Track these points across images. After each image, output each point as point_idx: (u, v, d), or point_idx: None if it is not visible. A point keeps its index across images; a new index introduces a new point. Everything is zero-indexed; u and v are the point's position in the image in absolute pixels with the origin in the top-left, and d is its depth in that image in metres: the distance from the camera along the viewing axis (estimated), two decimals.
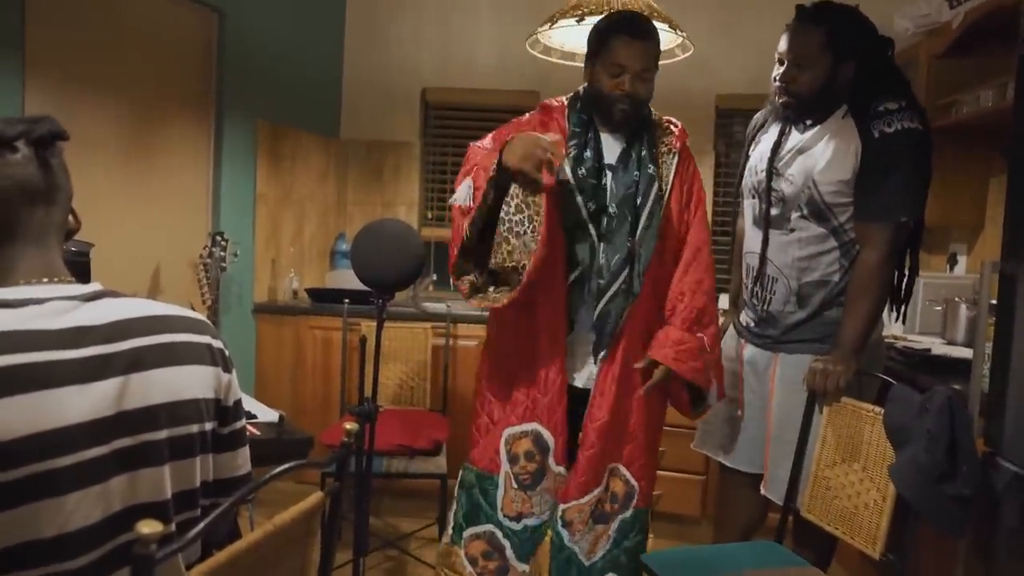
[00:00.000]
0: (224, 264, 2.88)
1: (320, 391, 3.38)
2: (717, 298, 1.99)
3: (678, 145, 1.95)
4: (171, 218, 3.08)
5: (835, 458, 1.90)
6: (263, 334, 3.45)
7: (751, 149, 2.13)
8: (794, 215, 1.95)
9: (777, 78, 1.93)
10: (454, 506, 2.04)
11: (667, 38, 2.52)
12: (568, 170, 1.87)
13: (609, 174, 1.90)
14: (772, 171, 1.99)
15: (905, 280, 2.05)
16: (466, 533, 1.99)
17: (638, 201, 1.87)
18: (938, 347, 2.61)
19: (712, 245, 1.99)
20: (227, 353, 1.11)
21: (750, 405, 2.10)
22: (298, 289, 3.63)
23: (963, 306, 2.69)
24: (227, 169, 3.28)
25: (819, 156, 1.89)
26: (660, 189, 1.90)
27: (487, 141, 1.97)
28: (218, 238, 2.88)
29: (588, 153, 1.89)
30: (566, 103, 1.99)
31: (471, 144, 1.98)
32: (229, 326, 3.26)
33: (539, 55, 2.70)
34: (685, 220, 1.96)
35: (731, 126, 3.79)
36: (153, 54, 2.95)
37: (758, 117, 2.19)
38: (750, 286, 2.09)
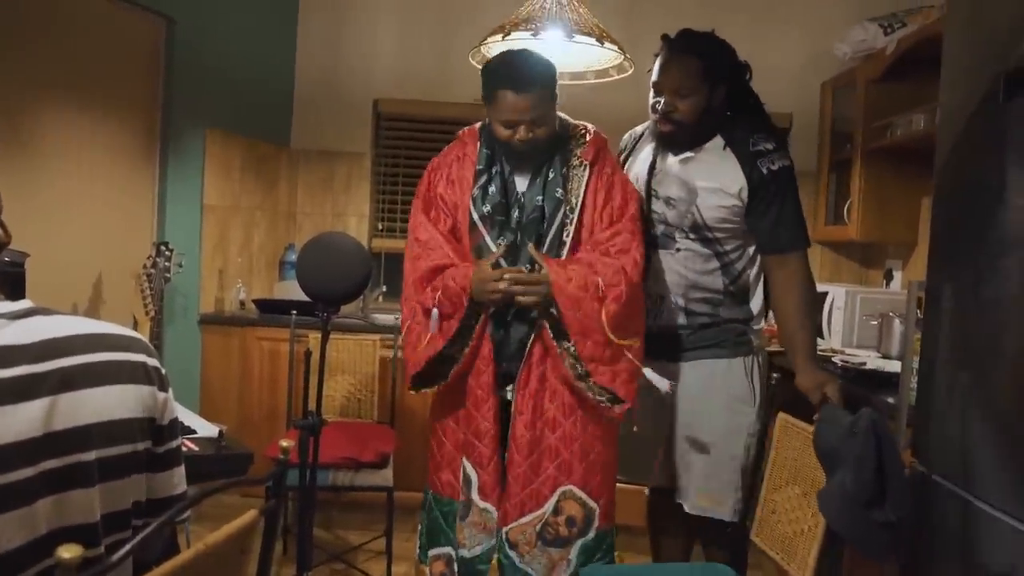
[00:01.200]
0: (168, 275, 2.83)
1: (267, 403, 3.35)
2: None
3: (590, 156, 1.94)
4: (114, 227, 3.03)
5: (780, 481, 1.89)
6: (209, 345, 3.40)
7: (625, 168, 2.19)
8: (679, 236, 2.05)
9: (657, 107, 2.01)
10: (423, 521, 2.07)
11: (608, 56, 2.57)
12: (473, 211, 1.94)
13: (519, 203, 1.93)
14: (651, 193, 2.08)
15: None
16: (430, 552, 2.02)
17: (543, 226, 1.91)
18: (873, 360, 2.71)
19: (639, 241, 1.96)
20: (163, 372, 1.11)
21: (657, 419, 2.07)
22: (245, 300, 3.59)
23: (896, 321, 2.79)
24: (174, 177, 3.24)
25: (702, 185, 2.01)
26: (570, 207, 1.91)
27: (422, 193, 2.02)
28: (163, 248, 2.83)
29: (493, 189, 1.93)
30: (478, 131, 2.03)
31: (418, 210, 2.00)
32: (174, 337, 3.21)
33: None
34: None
35: None
36: (99, 60, 2.90)
37: (627, 139, 2.30)
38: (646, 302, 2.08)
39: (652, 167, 2.09)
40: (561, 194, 1.92)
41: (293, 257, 3.78)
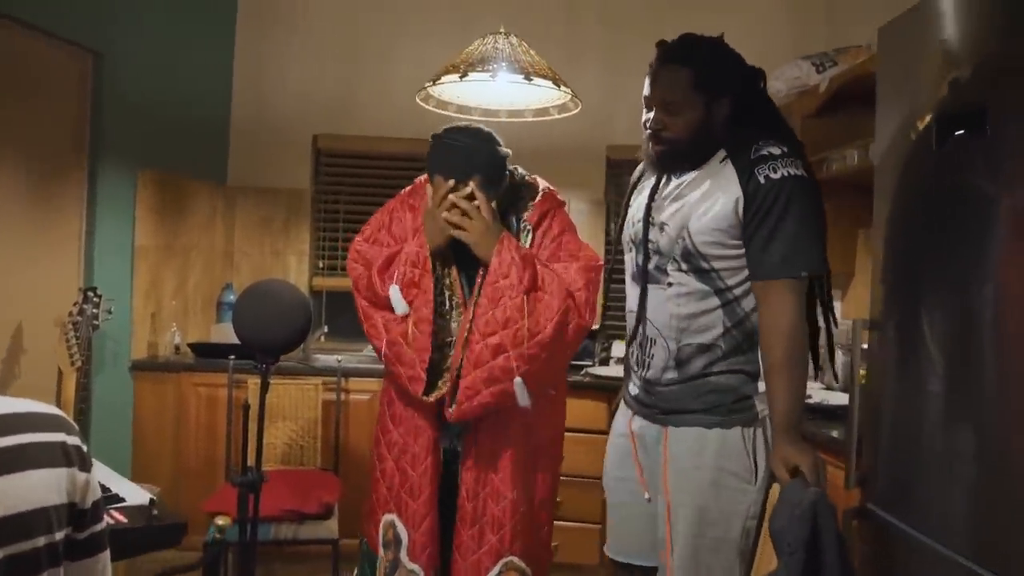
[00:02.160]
0: (97, 322, 2.70)
1: (204, 452, 3.21)
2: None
3: (534, 219, 1.91)
4: (36, 274, 2.88)
5: (762, 567, 1.75)
6: (141, 394, 3.25)
7: (631, 200, 1.98)
8: (671, 268, 1.75)
9: (647, 124, 1.76)
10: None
11: (554, 95, 2.59)
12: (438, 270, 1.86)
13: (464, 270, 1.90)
14: (648, 221, 1.80)
15: (822, 337, 1.88)
16: None
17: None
18: (817, 392, 2.74)
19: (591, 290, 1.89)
20: (85, 449, 1.03)
21: (651, 485, 1.82)
22: (180, 344, 3.46)
23: (838, 351, 2.83)
24: (103, 219, 3.10)
25: (694, 203, 1.71)
26: None
27: (368, 234, 1.96)
28: (90, 294, 2.70)
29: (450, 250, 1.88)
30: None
31: (357, 247, 1.94)
32: (103, 387, 3.06)
33: (433, 108, 2.69)
34: None
35: (621, 175, 3.88)
36: (19, 98, 2.77)
37: (640, 168, 2.03)
38: (631, 349, 1.88)
39: (654, 193, 1.82)
40: None
41: (231, 298, 3.65)
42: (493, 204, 1.85)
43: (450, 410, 1.77)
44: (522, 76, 2.29)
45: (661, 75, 1.73)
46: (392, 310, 1.79)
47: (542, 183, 1.97)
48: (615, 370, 3.31)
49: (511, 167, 1.93)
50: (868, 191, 2.95)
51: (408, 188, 2.02)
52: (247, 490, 1.96)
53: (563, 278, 1.82)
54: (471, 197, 1.80)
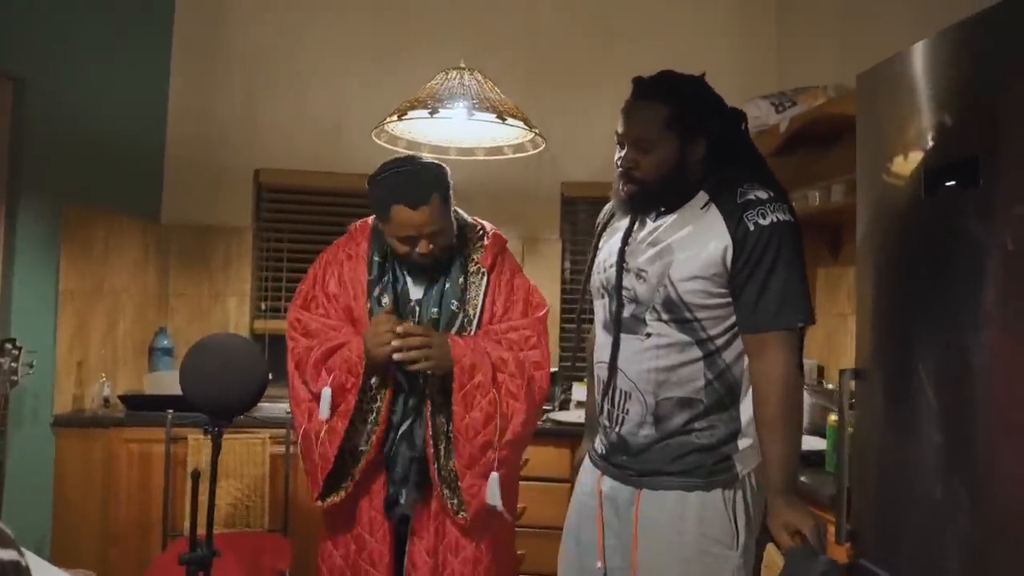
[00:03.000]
0: (16, 376, 2.46)
1: (137, 517, 2.95)
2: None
3: (488, 261, 1.93)
4: None
5: None
6: (65, 452, 2.99)
7: (600, 243, 1.91)
8: (650, 317, 1.69)
9: (619, 163, 1.72)
10: None
11: (512, 133, 2.56)
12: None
13: (414, 312, 1.90)
14: (622, 266, 1.74)
15: None
16: None
17: None
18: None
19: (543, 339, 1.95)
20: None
21: (612, 553, 1.75)
22: (110, 396, 3.20)
23: (805, 393, 2.82)
24: (23, 262, 2.85)
25: (677, 250, 1.67)
26: (467, 318, 1.89)
27: (304, 297, 1.95)
28: (8, 346, 2.47)
29: (386, 300, 1.88)
30: (370, 230, 1.97)
31: (296, 315, 1.93)
32: (21, 447, 2.78)
33: (384, 144, 2.62)
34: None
35: (576, 213, 3.86)
36: None
37: (607, 208, 1.97)
38: (601, 403, 1.80)
39: (627, 236, 1.77)
40: (456, 306, 1.88)
41: (165, 343, 3.47)
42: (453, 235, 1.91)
43: (463, 515, 1.82)
44: (494, 115, 2.25)
45: (634, 111, 1.69)
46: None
47: (487, 224, 1.99)
48: (577, 414, 3.25)
49: (457, 216, 1.94)
50: (828, 230, 3.07)
51: (343, 237, 2.00)
52: (196, 567, 1.80)
53: (515, 343, 1.89)
54: (419, 332, 1.81)
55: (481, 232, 1.96)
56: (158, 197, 3.63)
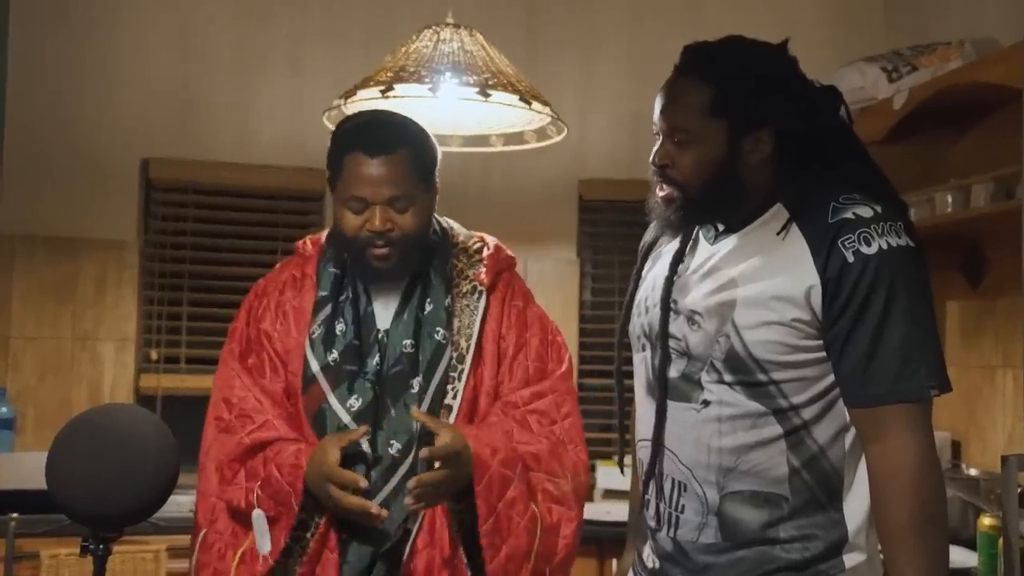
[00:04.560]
0: None
1: None
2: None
3: (487, 279, 1.94)
4: None
5: None
6: None
7: (644, 272, 1.95)
8: (707, 378, 1.69)
9: (653, 159, 1.75)
10: None
11: (526, 117, 2.61)
12: (311, 358, 1.88)
13: (379, 345, 1.90)
14: (669, 305, 1.76)
15: None
16: None
17: (413, 383, 1.86)
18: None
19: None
20: None
21: None
22: None
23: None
24: None
25: (742, 284, 1.67)
26: (458, 355, 1.90)
27: (239, 344, 1.97)
28: None
29: (342, 325, 1.88)
30: (326, 239, 2.02)
31: (231, 352, 1.96)
32: None
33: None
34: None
35: (598, 222, 3.87)
36: None
37: (653, 228, 2.00)
38: (646, 497, 1.85)
39: (675, 264, 1.79)
40: (443, 335, 1.88)
41: (3, 410, 3.39)
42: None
43: None
44: (506, 92, 2.38)
45: (672, 92, 1.72)
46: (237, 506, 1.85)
47: (489, 238, 2.03)
48: (604, 508, 3.30)
49: (445, 222, 2.02)
50: (963, 248, 3.03)
51: (289, 257, 2.05)
52: None
53: (545, 415, 1.93)
54: (436, 458, 1.78)
55: (479, 245, 1.99)
56: None
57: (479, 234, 2.03)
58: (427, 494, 1.73)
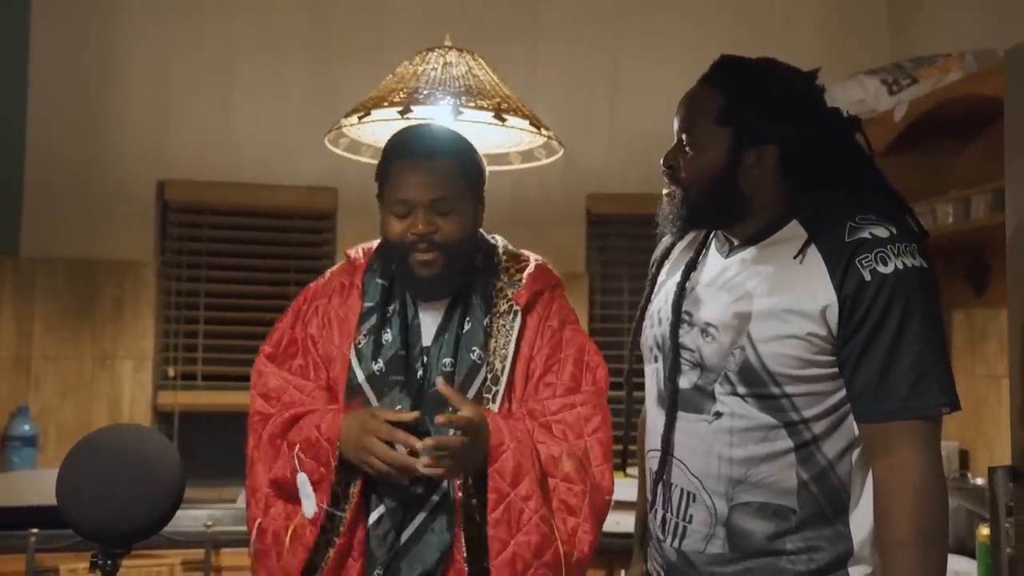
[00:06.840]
0: None
1: None
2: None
3: (523, 300, 1.95)
4: None
5: None
6: None
7: (657, 283, 1.97)
8: (721, 390, 1.72)
9: (662, 160, 1.81)
10: None
11: (526, 138, 2.65)
12: (357, 367, 1.90)
13: (424, 360, 1.92)
14: (680, 316, 1.79)
15: None
16: None
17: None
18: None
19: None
20: None
21: None
22: None
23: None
24: None
25: (758, 298, 1.70)
26: (492, 375, 1.91)
27: (282, 332, 2.00)
28: None
29: (388, 335, 1.91)
30: (375, 250, 2.05)
31: (262, 355, 1.99)
32: None
33: (344, 152, 2.70)
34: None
35: (607, 236, 3.87)
36: None
37: (665, 241, 2.04)
38: (653, 506, 1.86)
39: (687, 274, 1.83)
40: (478, 355, 1.89)
41: (27, 428, 3.46)
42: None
43: None
44: (492, 114, 2.38)
45: (687, 99, 1.79)
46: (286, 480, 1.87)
47: (535, 256, 2.04)
48: (613, 520, 3.22)
49: (493, 239, 2.04)
50: (967, 257, 3.03)
51: (339, 266, 2.08)
52: None
53: (572, 427, 1.91)
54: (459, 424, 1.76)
55: (524, 264, 2.00)
56: (16, 221, 3.64)
57: (527, 253, 2.04)
58: (443, 459, 1.72)
